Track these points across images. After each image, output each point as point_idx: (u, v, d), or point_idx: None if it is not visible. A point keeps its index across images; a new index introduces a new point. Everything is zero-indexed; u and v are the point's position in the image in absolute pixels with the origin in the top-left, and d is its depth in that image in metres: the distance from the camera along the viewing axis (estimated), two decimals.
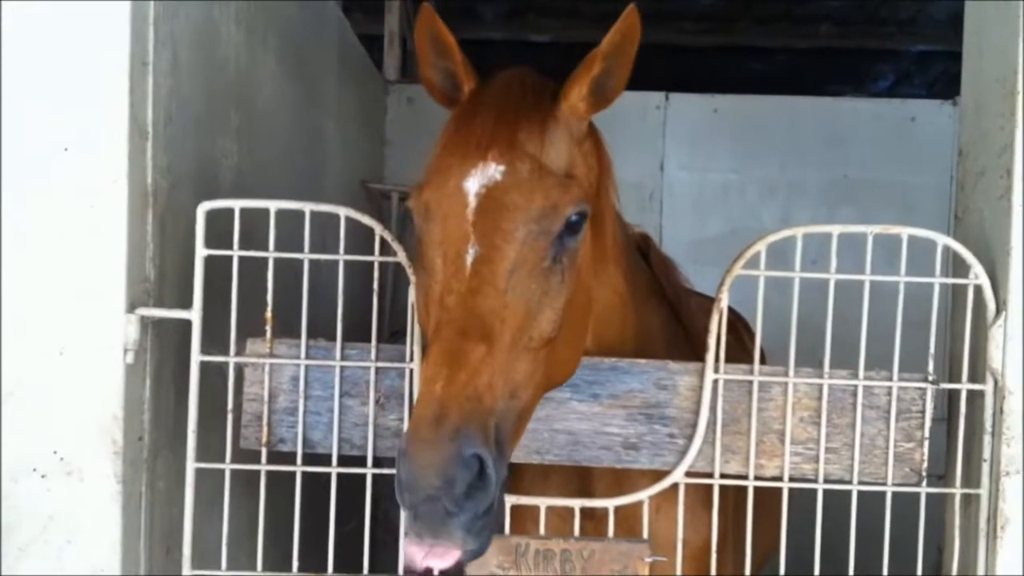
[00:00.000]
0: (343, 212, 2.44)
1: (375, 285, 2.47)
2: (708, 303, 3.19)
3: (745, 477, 2.43)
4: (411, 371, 2.42)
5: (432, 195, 2.05)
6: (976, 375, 2.43)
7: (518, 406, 1.96)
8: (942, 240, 2.40)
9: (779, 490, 2.44)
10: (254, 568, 2.49)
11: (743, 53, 8.54)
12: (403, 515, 1.83)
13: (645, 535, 2.42)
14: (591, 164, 2.22)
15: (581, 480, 2.59)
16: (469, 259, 1.96)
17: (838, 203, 6.26)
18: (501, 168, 2.02)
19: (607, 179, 2.32)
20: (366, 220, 2.46)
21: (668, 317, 2.85)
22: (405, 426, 2.43)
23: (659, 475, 2.44)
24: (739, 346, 3.02)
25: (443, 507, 1.75)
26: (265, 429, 2.45)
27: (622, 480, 2.55)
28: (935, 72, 8.82)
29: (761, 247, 2.40)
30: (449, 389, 1.80)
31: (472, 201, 2.00)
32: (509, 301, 1.95)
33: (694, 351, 2.76)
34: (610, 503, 2.44)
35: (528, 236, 1.99)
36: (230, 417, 2.44)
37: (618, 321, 2.46)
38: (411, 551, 1.82)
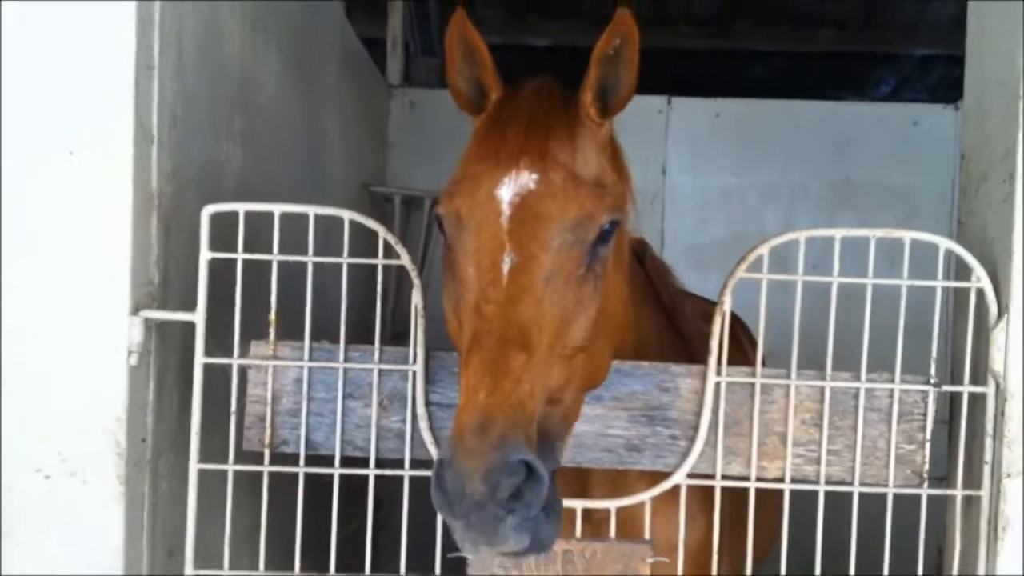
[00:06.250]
0: (347, 215, 2.45)
1: (378, 288, 2.48)
2: (705, 306, 3.21)
3: (746, 479, 2.43)
4: (413, 373, 2.43)
5: (464, 203, 2.05)
6: (978, 378, 2.43)
7: (559, 411, 1.97)
8: (944, 244, 2.41)
9: (775, 492, 2.44)
10: (256, 569, 2.49)
11: (744, 57, 8.54)
12: (455, 526, 1.82)
13: (646, 536, 2.42)
14: (614, 171, 2.23)
15: (579, 485, 2.59)
16: (506, 268, 1.96)
17: (840, 207, 6.25)
18: (534, 177, 2.02)
19: (626, 187, 2.32)
20: (370, 223, 2.47)
21: (663, 322, 2.86)
22: (407, 428, 2.44)
23: (656, 478, 2.45)
24: (738, 351, 3.02)
25: (491, 513, 1.75)
26: (268, 431, 2.46)
27: (619, 485, 2.55)
28: (936, 76, 8.83)
29: (764, 250, 2.40)
30: (493, 398, 1.81)
31: (506, 210, 2.00)
32: (546, 310, 1.95)
33: (689, 355, 2.77)
34: (612, 504, 2.44)
35: (563, 245, 2.00)
36: (233, 419, 2.45)
37: (620, 326, 2.46)
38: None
